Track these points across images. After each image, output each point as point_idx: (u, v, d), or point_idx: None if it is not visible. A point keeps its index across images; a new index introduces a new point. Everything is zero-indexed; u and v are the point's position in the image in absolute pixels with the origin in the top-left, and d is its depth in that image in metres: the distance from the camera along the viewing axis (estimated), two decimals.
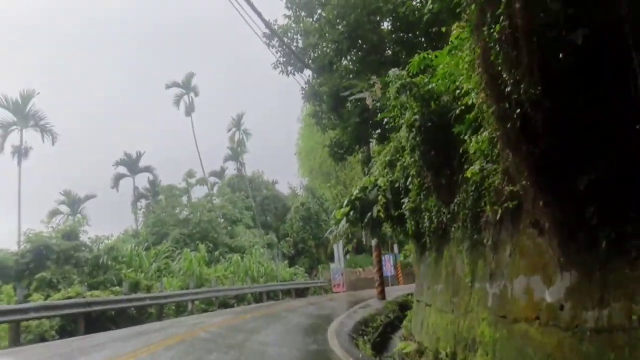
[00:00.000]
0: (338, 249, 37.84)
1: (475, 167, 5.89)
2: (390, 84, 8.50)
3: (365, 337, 12.38)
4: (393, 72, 8.04)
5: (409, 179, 9.59)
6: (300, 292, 33.31)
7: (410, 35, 13.85)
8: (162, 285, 21.04)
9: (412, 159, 9.10)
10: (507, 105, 3.97)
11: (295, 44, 16.38)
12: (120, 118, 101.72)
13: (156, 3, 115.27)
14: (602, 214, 3.63)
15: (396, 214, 10.98)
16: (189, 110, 44.65)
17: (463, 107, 6.39)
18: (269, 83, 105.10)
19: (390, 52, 14.76)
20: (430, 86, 7.46)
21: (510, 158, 4.46)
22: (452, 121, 6.77)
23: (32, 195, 45.06)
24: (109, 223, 53.60)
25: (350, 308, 17.58)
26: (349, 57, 15.44)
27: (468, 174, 6.05)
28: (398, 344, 11.54)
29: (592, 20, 3.24)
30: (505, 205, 5.31)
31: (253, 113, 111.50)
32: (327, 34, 14.91)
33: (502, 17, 3.64)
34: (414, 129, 8.48)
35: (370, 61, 14.32)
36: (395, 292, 25.87)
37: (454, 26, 6.46)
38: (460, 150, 6.40)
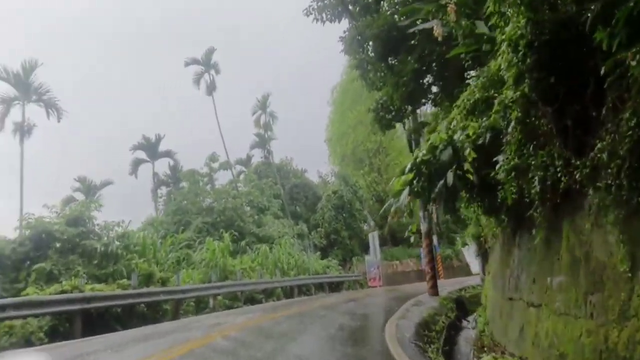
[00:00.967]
0: (374, 239, 34.77)
1: None
2: None
3: (431, 346, 9.38)
4: None
5: (510, 126, 6.50)
6: (334, 287, 30.38)
7: None
8: (178, 278, 18.30)
9: (517, 94, 6.13)
10: None
11: None
12: (138, 99, 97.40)
13: None
14: None
15: (482, 180, 7.89)
16: (210, 89, 41.64)
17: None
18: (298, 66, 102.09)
19: None
20: None
21: None
22: (588, 27, 4.50)
23: (41, 177, 42.77)
24: (129, 212, 51.57)
25: (402, 305, 14.51)
26: None
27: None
28: (483, 357, 8.43)
29: None
30: None
31: (280, 100, 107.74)
32: None
33: None
34: (520, 49, 5.59)
35: None
36: (440, 287, 22.83)
37: None
38: (602, 71, 4.31)
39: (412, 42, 10.86)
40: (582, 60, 5.04)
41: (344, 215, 39.05)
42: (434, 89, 12.66)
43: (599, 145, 4.59)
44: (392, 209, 8.95)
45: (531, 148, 6.20)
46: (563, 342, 5.84)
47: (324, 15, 13.69)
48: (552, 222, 6.39)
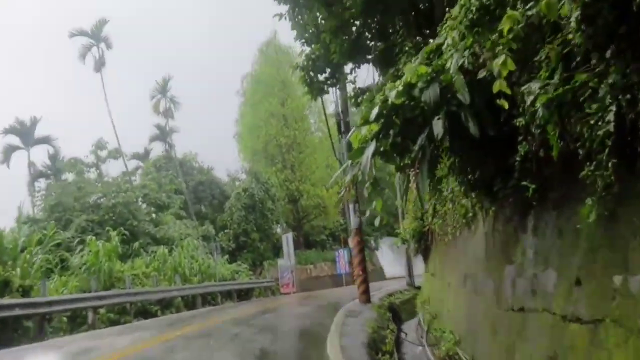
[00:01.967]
0: (288, 241, 31.84)
1: None
2: None
3: None
4: None
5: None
6: (244, 294, 26.96)
7: None
8: (44, 287, 14.13)
9: None
10: None
11: None
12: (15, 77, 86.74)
13: None
14: None
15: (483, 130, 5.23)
16: (99, 65, 36.18)
17: None
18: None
19: None
20: None
21: None
22: None
23: None
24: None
25: (334, 317, 11.65)
26: None
27: None
28: None
29: None
30: None
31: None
32: None
33: None
34: None
35: None
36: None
37: None
38: None
39: None
40: None
41: (255, 215, 35.68)
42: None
43: None
44: (348, 177, 5.98)
45: (607, 55, 3.49)
46: None
47: None
48: (626, 187, 3.76)
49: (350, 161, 6.09)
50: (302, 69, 11.00)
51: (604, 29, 3.29)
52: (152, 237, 25.38)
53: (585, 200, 3.85)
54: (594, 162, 3.60)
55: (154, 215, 27.48)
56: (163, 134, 42.74)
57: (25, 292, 14.42)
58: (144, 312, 18.04)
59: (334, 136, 17.16)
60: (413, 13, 8.43)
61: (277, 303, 19.48)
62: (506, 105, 4.24)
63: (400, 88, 5.72)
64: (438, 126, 5.30)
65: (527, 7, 4.11)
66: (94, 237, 19.54)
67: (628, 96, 3.16)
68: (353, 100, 11.70)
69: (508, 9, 4.18)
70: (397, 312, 15.87)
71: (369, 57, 10.45)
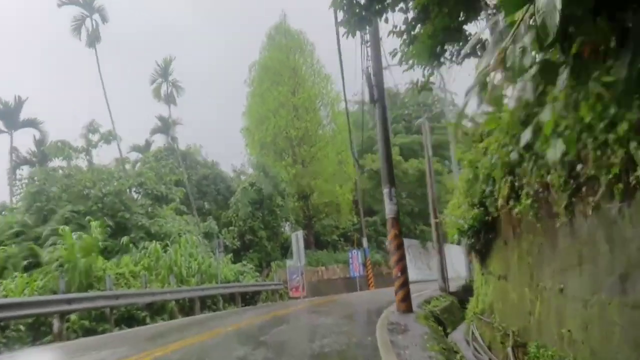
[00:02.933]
0: (298, 240, 28.49)
1: None
2: None
3: None
4: None
5: None
6: (249, 298, 23.76)
7: None
8: None
9: None
10: None
11: None
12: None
13: None
14: None
15: None
16: (92, 39, 32.65)
17: None
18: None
19: None
20: None
21: None
22: None
23: None
24: None
25: (374, 333, 8.44)
26: None
27: None
28: None
29: None
30: None
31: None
32: None
33: None
34: None
35: None
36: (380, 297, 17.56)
37: None
38: None
39: None
40: None
41: (263, 212, 32.52)
42: None
43: None
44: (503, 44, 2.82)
45: None
46: None
47: None
48: None
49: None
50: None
51: None
52: (146, 231, 22.18)
53: None
54: None
55: (150, 208, 24.27)
56: (165, 126, 39.64)
57: None
58: (129, 319, 14.91)
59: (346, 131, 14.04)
60: None
61: (289, 310, 16.26)
62: None
63: None
64: None
65: None
66: (66, 228, 16.37)
67: None
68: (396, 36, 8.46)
69: None
70: (443, 324, 12.70)
71: None
